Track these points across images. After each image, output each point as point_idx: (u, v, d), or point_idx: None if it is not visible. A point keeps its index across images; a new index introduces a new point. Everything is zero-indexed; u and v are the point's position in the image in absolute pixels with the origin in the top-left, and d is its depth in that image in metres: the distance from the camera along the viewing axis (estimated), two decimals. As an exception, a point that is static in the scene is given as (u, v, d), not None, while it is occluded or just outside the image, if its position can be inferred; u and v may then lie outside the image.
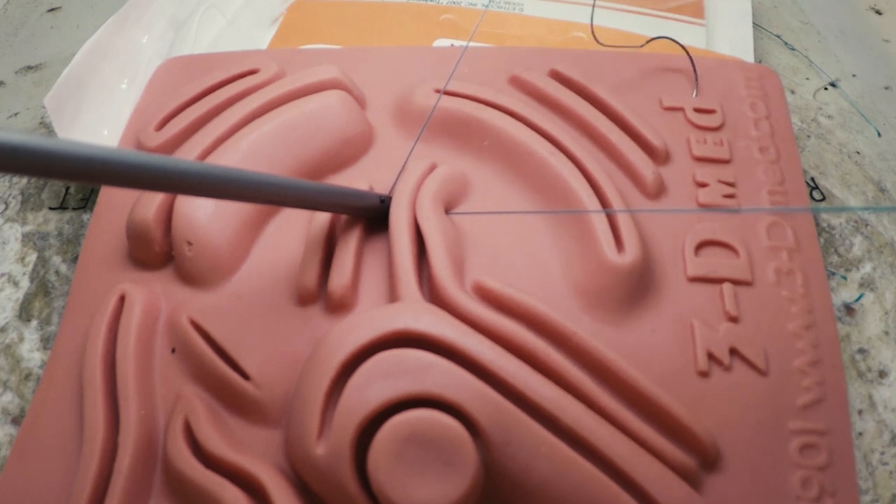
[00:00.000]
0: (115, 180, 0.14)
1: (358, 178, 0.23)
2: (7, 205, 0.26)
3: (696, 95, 0.25)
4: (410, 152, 0.23)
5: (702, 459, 0.18)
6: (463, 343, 0.18)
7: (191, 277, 0.21)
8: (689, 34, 0.30)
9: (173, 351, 0.20)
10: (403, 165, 0.22)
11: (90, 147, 0.13)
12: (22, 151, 0.12)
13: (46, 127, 0.28)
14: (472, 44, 0.29)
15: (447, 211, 0.22)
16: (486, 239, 0.21)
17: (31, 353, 0.22)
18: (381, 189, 0.22)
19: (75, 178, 0.14)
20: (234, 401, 0.19)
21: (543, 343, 0.19)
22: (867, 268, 0.23)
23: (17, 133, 0.12)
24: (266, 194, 0.18)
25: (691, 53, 0.25)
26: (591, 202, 0.21)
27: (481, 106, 0.24)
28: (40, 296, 0.24)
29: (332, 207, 0.20)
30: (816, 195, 0.25)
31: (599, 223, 0.21)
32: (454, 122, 0.24)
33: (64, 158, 0.13)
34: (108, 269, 0.22)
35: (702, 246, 0.22)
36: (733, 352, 0.20)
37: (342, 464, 0.16)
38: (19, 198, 0.26)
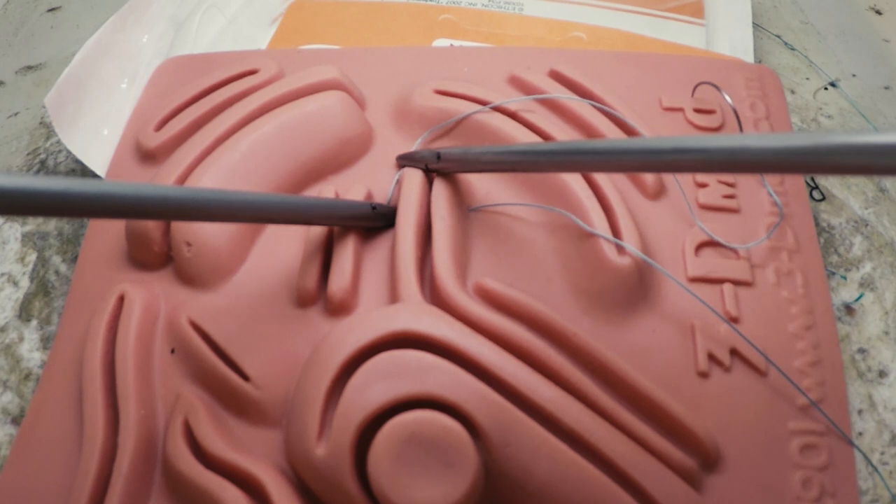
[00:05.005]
0: (94, 214, 0.14)
1: (357, 180, 0.23)
2: (7, 205, 0.26)
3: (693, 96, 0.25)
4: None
5: (702, 460, 0.18)
6: (463, 344, 0.18)
7: (190, 278, 0.21)
8: (689, 34, 0.30)
9: (173, 351, 0.20)
10: (398, 177, 0.22)
11: (69, 182, 0.13)
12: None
13: (46, 127, 0.28)
14: (466, 43, 0.29)
15: (468, 208, 0.22)
16: (487, 240, 0.21)
17: (31, 352, 0.22)
18: (380, 190, 0.22)
19: (54, 214, 0.14)
20: (233, 401, 0.19)
21: (544, 344, 0.19)
22: (867, 268, 0.23)
23: None
24: (251, 215, 0.18)
25: (692, 53, 0.25)
26: (590, 203, 0.21)
27: (480, 106, 0.24)
28: (40, 296, 0.24)
29: (322, 221, 0.20)
30: (816, 195, 0.25)
31: (600, 224, 0.21)
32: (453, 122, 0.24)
33: (36, 197, 0.13)
34: (107, 270, 0.22)
35: (702, 246, 0.22)
36: (733, 352, 0.20)
37: (342, 464, 0.16)
38: (19, 198, 0.26)
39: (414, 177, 0.22)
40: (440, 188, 0.21)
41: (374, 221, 0.21)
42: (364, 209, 0.21)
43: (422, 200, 0.21)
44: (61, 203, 0.13)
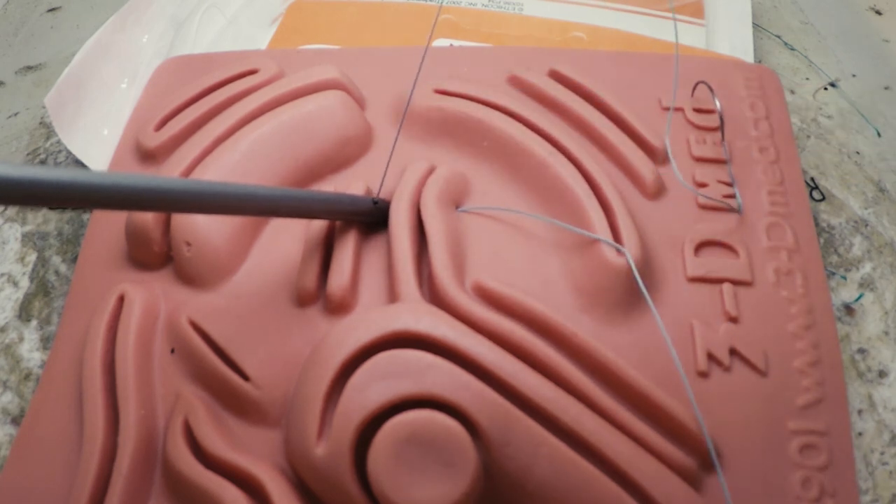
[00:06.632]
0: (98, 204, 0.14)
1: (357, 179, 0.23)
2: (7, 205, 0.26)
3: (693, 95, 0.25)
4: (394, 145, 0.23)
5: (702, 459, 0.18)
6: (463, 344, 0.18)
7: (190, 278, 0.21)
8: (689, 34, 0.30)
9: (172, 351, 0.20)
10: (388, 160, 0.22)
11: (69, 173, 0.13)
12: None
13: (46, 127, 0.28)
14: (466, 43, 0.29)
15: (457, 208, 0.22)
16: (485, 239, 0.21)
17: (31, 353, 0.22)
18: (376, 190, 0.22)
19: (55, 204, 0.14)
20: (233, 401, 0.19)
21: (543, 343, 0.19)
22: (867, 268, 0.23)
23: None
24: (254, 207, 0.18)
25: (692, 54, 0.25)
26: (589, 202, 0.21)
27: (480, 106, 0.24)
28: (40, 296, 0.24)
29: (325, 214, 0.20)
30: (816, 195, 0.25)
31: (599, 223, 0.21)
32: (453, 122, 0.24)
33: (38, 187, 0.13)
34: (107, 270, 0.22)
35: (701, 246, 0.22)
36: (733, 352, 0.20)
37: (342, 464, 0.16)
38: (19, 198, 0.26)
39: (412, 174, 0.22)
40: (430, 186, 0.21)
41: (376, 216, 0.21)
42: (365, 204, 0.21)
43: (416, 198, 0.21)
44: (68, 193, 0.13)
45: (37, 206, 0.17)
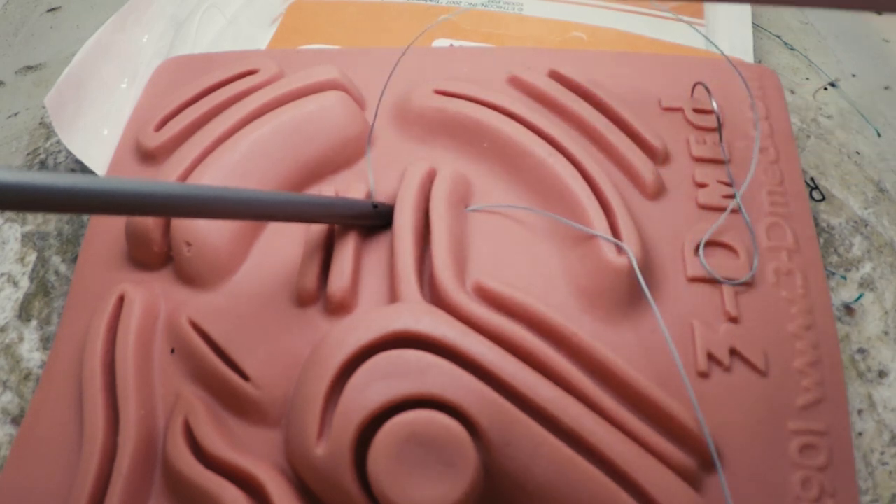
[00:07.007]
0: (96, 210, 0.14)
1: (357, 180, 0.23)
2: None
3: (696, 97, 0.25)
4: (370, 136, 0.23)
5: (702, 459, 0.18)
6: (463, 344, 0.18)
7: (190, 278, 0.21)
8: (689, 34, 0.30)
9: (172, 351, 0.20)
10: (369, 167, 0.22)
11: (67, 178, 0.13)
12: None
13: (46, 127, 0.28)
14: (466, 43, 0.29)
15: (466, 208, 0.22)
16: (487, 239, 0.21)
17: (30, 353, 0.22)
18: (379, 190, 0.22)
19: (52, 211, 0.14)
20: (233, 401, 0.19)
21: (543, 343, 0.19)
22: (867, 268, 0.23)
23: None
24: (253, 211, 0.18)
25: (690, 53, 0.25)
26: (589, 203, 0.21)
27: (480, 107, 0.24)
28: (40, 296, 0.24)
29: (325, 219, 0.20)
30: (816, 195, 0.25)
31: (599, 224, 0.21)
32: (453, 123, 0.24)
33: (37, 192, 0.13)
34: (107, 270, 0.22)
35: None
36: (733, 352, 0.20)
37: (342, 464, 0.16)
38: (19, 198, 0.26)
39: (413, 175, 0.22)
40: (439, 186, 0.22)
41: (375, 220, 0.21)
42: (365, 207, 0.21)
43: (419, 199, 0.21)
44: (66, 199, 0.13)
45: (34, 212, 0.17)
